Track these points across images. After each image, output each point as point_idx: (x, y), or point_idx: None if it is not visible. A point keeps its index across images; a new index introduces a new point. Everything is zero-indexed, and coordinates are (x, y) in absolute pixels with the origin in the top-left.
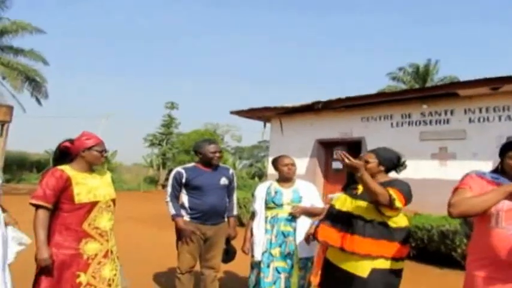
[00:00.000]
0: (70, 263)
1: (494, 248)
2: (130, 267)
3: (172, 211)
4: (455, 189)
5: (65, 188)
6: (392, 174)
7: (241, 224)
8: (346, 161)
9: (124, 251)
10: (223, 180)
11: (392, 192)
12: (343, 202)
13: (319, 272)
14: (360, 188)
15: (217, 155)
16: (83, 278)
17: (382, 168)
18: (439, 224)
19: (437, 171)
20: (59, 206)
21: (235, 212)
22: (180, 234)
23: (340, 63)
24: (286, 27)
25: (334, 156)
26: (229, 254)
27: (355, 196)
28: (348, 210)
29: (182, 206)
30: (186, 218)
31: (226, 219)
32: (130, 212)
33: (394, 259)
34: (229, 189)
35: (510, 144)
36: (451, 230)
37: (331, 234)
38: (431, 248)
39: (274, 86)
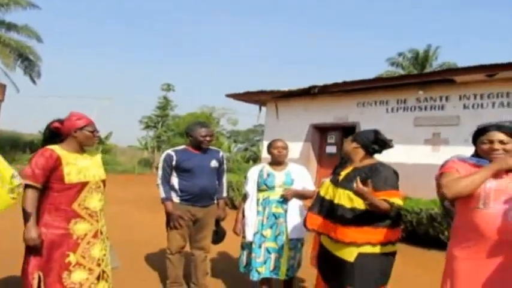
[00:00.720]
0: (59, 242)
1: (481, 229)
2: (122, 248)
3: (162, 194)
4: (442, 173)
5: (54, 167)
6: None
7: (234, 206)
8: (355, 187)
9: (116, 233)
10: (214, 163)
11: (395, 199)
12: (326, 189)
13: (315, 255)
14: (342, 175)
15: (208, 138)
16: (72, 258)
17: (355, 145)
18: (428, 208)
19: (429, 156)
20: (49, 185)
21: (224, 194)
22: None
23: (341, 49)
24: (283, 11)
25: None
26: (218, 235)
27: (336, 183)
28: (330, 199)
29: (172, 188)
30: (176, 200)
31: (216, 201)
32: (124, 194)
33: (382, 244)
34: (219, 171)
35: (480, 130)
36: (439, 213)
37: (317, 222)
38: (420, 231)
39: (272, 69)
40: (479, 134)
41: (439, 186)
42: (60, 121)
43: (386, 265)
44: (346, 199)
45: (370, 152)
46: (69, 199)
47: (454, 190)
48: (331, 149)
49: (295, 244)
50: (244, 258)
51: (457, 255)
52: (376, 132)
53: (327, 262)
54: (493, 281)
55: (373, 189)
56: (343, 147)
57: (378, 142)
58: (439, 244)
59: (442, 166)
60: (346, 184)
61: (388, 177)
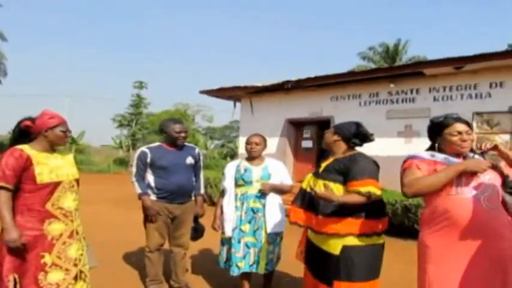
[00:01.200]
0: (34, 243)
1: (455, 216)
2: (100, 248)
3: (139, 190)
4: (404, 170)
5: (25, 167)
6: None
7: (213, 203)
8: (318, 194)
9: (93, 232)
10: (189, 160)
11: (369, 187)
12: (308, 182)
13: (303, 250)
14: (322, 167)
15: (183, 135)
16: (47, 259)
17: (336, 137)
18: (403, 199)
19: (402, 148)
20: (21, 186)
21: (202, 191)
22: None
23: (312, 44)
24: (254, 6)
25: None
26: (197, 232)
27: (316, 175)
28: (311, 191)
29: (148, 186)
30: (153, 197)
31: (193, 198)
32: (101, 193)
33: (366, 235)
34: (195, 168)
35: (443, 122)
36: (414, 204)
37: (300, 215)
38: (396, 222)
39: (244, 65)
40: (442, 127)
41: (401, 184)
42: (32, 119)
43: (373, 257)
44: (325, 190)
45: (351, 145)
46: (42, 199)
47: (414, 189)
48: (307, 144)
49: (274, 238)
50: (224, 254)
51: (429, 244)
52: (357, 125)
53: (314, 256)
54: (467, 267)
55: (350, 179)
56: (324, 140)
57: (359, 135)
58: (414, 234)
59: (403, 163)
60: (325, 175)
61: (365, 167)
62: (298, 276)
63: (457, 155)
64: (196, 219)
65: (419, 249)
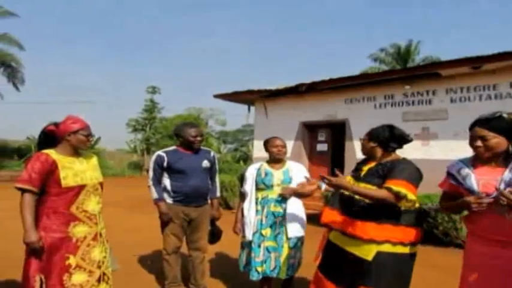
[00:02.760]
0: (59, 245)
1: (486, 224)
2: (116, 251)
3: (155, 195)
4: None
5: (50, 171)
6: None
7: (228, 206)
8: (333, 181)
9: (109, 236)
10: (205, 163)
11: (401, 187)
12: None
13: (320, 254)
14: (364, 170)
15: (198, 138)
16: (72, 260)
17: (373, 144)
18: (422, 203)
19: (419, 151)
20: (46, 190)
21: (218, 194)
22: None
23: (322, 45)
24: (267, 8)
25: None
26: (214, 235)
27: (358, 178)
28: (350, 194)
29: (165, 189)
30: (169, 201)
31: (209, 201)
32: (115, 197)
33: (402, 243)
34: (211, 171)
35: (470, 127)
36: (433, 208)
37: (334, 218)
38: None
39: (258, 69)
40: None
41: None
42: (56, 124)
43: (406, 267)
44: None
45: (388, 149)
46: (67, 202)
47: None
48: (322, 147)
49: (295, 243)
50: (244, 258)
51: (466, 248)
52: (391, 128)
53: (335, 259)
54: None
55: (387, 178)
56: (362, 148)
57: (394, 138)
58: (432, 239)
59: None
60: (368, 179)
61: (404, 169)
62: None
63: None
64: (213, 222)
65: (465, 252)
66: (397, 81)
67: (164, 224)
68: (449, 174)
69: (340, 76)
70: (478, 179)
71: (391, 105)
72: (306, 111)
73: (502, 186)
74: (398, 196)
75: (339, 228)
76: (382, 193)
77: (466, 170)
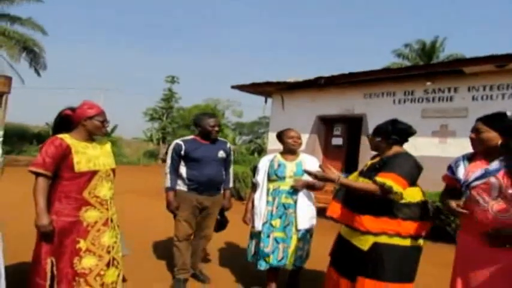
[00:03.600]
0: (70, 229)
1: (474, 218)
2: (128, 237)
3: (168, 183)
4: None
5: (64, 156)
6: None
7: (240, 197)
8: (318, 175)
9: (122, 222)
10: (221, 153)
11: (386, 179)
12: (353, 179)
13: (332, 244)
14: (367, 165)
15: (216, 128)
16: (82, 244)
17: (378, 138)
18: (435, 200)
19: (436, 148)
20: (59, 174)
21: (231, 185)
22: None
23: (347, 40)
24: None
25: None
26: (221, 224)
27: (361, 173)
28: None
29: (180, 177)
30: (184, 188)
31: (222, 191)
32: (130, 185)
33: (400, 236)
34: (226, 162)
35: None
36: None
37: (337, 210)
38: None
39: (278, 61)
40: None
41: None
42: (72, 109)
43: (405, 259)
44: None
45: (392, 143)
46: (80, 187)
47: None
48: (337, 141)
49: (304, 235)
50: (252, 248)
51: (460, 238)
52: (393, 122)
53: (342, 251)
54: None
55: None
56: (370, 144)
57: (396, 131)
58: (445, 237)
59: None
60: (368, 173)
61: (399, 163)
62: (321, 272)
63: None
64: (222, 212)
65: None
66: (419, 78)
67: (177, 210)
68: (449, 167)
69: (361, 71)
70: (467, 170)
71: (411, 101)
72: (323, 105)
73: (472, 178)
74: (383, 188)
75: (342, 220)
76: (368, 186)
77: (460, 162)
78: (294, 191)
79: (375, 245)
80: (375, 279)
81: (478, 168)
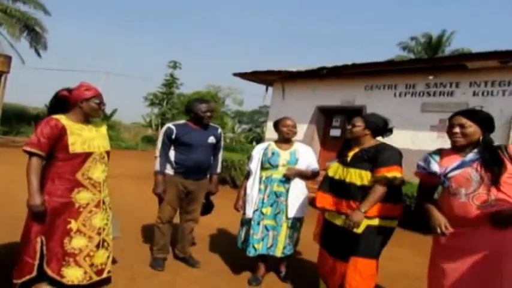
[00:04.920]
0: (62, 210)
1: (452, 211)
2: (120, 219)
3: (157, 167)
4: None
5: (59, 137)
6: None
7: (235, 185)
8: (352, 224)
9: (115, 205)
10: (211, 139)
11: (394, 172)
12: (336, 170)
13: (319, 231)
14: (350, 155)
15: (208, 114)
16: (73, 225)
17: (367, 132)
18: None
19: (434, 142)
20: (53, 155)
21: (218, 170)
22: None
23: (353, 31)
24: None
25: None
26: (207, 208)
27: (345, 164)
28: (340, 178)
29: (168, 160)
30: (171, 172)
31: (208, 176)
32: (126, 169)
33: (388, 218)
34: (216, 147)
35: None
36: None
37: (327, 201)
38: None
39: (280, 50)
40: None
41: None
42: (69, 90)
43: (385, 238)
44: (357, 177)
45: (376, 136)
46: (73, 168)
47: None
48: (335, 132)
49: (294, 223)
50: (242, 234)
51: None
52: (385, 122)
53: (334, 237)
54: (464, 252)
55: (378, 165)
56: (354, 133)
57: (386, 130)
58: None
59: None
60: (355, 164)
61: (392, 155)
62: (314, 260)
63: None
64: (207, 196)
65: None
66: (421, 71)
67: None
68: (418, 166)
69: (363, 62)
70: (441, 164)
71: (411, 95)
72: (324, 95)
73: (450, 168)
74: (394, 180)
75: (334, 209)
76: (380, 190)
77: (429, 158)
78: (286, 179)
79: (368, 228)
80: (365, 257)
81: (452, 161)
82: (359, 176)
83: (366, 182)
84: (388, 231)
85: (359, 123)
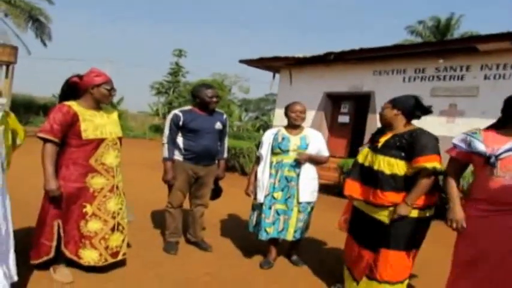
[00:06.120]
0: (77, 195)
1: (494, 193)
2: (133, 205)
3: (165, 154)
4: (450, 156)
5: (72, 123)
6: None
7: (244, 172)
8: (396, 217)
9: (127, 191)
10: (218, 125)
11: (434, 162)
12: (365, 156)
13: (347, 218)
14: (381, 142)
15: (214, 100)
16: (88, 209)
17: (396, 112)
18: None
19: (443, 127)
20: (67, 141)
21: (225, 155)
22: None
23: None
24: None
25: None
26: (216, 193)
27: (375, 150)
28: (369, 165)
29: (177, 147)
30: (180, 158)
31: (216, 162)
32: (135, 157)
33: (418, 208)
34: (222, 133)
35: None
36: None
37: (355, 188)
38: None
39: (289, 37)
40: None
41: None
42: (80, 76)
43: (420, 229)
44: (385, 165)
45: (410, 118)
46: (86, 154)
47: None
48: (343, 118)
49: (305, 207)
50: (254, 219)
51: (469, 214)
52: (416, 98)
53: (363, 225)
54: (502, 235)
55: (416, 155)
56: (383, 115)
57: (419, 107)
58: (444, 214)
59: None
60: (385, 151)
61: (429, 142)
62: (323, 245)
63: None
64: (216, 181)
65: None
66: (430, 55)
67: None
68: (461, 143)
69: (371, 47)
70: (488, 143)
71: (421, 80)
72: (331, 81)
73: (502, 150)
74: (434, 171)
75: (361, 198)
76: (426, 182)
77: (470, 138)
78: (297, 164)
79: (399, 219)
80: (396, 250)
81: (500, 142)
82: (388, 164)
83: (396, 170)
84: (424, 221)
85: (387, 104)
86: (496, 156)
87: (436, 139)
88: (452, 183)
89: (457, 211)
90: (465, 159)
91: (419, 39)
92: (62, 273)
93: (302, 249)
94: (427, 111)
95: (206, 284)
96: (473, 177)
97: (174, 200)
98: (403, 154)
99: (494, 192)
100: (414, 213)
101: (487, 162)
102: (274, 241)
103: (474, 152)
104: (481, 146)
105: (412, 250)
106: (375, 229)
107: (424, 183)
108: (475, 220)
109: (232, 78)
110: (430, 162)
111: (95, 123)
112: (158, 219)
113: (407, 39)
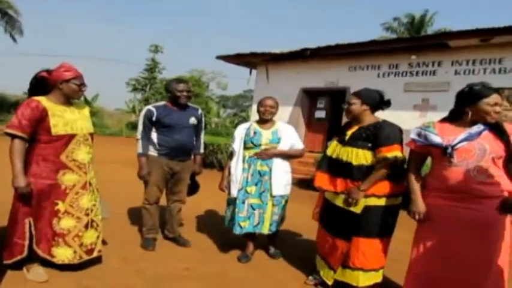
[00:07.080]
0: (49, 192)
1: (449, 182)
2: (109, 202)
3: (140, 149)
4: (410, 148)
5: (41, 119)
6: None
7: (222, 168)
8: (350, 201)
9: (103, 189)
10: (192, 120)
11: (395, 152)
12: (333, 149)
13: (318, 210)
14: (348, 134)
15: (185, 94)
16: (61, 206)
17: (365, 107)
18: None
19: (416, 121)
20: (36, 137)
21: (201, 151)
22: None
23: (335, 12)
24: None
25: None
26: (193, 188)
27: (343, 143)
28: (337, 157)
29: (151, 142)
30: (155, 153)
31: (192, 157)
32: (111, 155)
33: (386, 196)
34: (197, 128)
35: (479, 93)
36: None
37: (324, 180)
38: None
39: (263, 32)
40: (478, 97)
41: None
42: (48, 71)
43: (390, 217)
44: (353, 156)
45: (375, 111)
46: (57, 150)
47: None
48: (320, 114)
49: (279, 201)
50: (229, 214)
51: (428, 202)
52: (379, 93)
53: (333, 216)
54: (459, 221)
55: (379, 145)
56: (352, 111)
57: (384, 102)
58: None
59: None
60: (353, 142)
61: (392, 132)
62: (300, 237)
63: (485, 123)
64: (193, 176)
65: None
66: (404, 51)
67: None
68: (417, 136)
69: (347, 43)
70: (442, 135)
71: (395, 75)
72: (308, 77)
73: (457, 140)
74: (396, 160)
75: (331, 189)
76: (381, 171)
77: (424, 131)
78: (270, 158)
79: (366, 208)
80: (367, 237)
81: (454, 133)
82: (355, 155)
83: (363, 161)
84: (392, 209)
85: (354, 100)
86: (452, 147)
87: (399, 130)
88: (412, 176)
89: (419, 203)
90: (424, 151)
91: (394, 36)
92: (36, 272)
93: (280, 242)
94: (389, 104)
95: (185, 278)
96: (430, 168)
97: (150, 196)
98: (369, 145)
99: (452, 181)
100: (382, 202)
101: (444, 153)
102: (251, 235)
103: (432, 144)
104: (437, 138)
105: (383, 238)
106: (346, 218)
107: (379, 171)
108: (435, 208)
109: (209, 74)
110: (391, 152)
111: (65, 119)
112: (135, 216)
113: (383, 35)
